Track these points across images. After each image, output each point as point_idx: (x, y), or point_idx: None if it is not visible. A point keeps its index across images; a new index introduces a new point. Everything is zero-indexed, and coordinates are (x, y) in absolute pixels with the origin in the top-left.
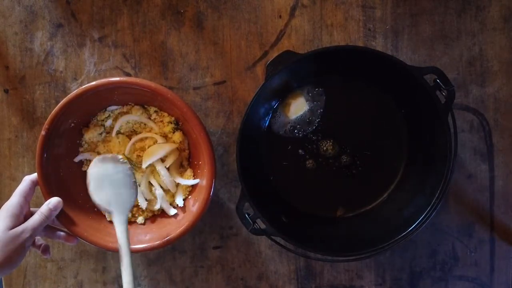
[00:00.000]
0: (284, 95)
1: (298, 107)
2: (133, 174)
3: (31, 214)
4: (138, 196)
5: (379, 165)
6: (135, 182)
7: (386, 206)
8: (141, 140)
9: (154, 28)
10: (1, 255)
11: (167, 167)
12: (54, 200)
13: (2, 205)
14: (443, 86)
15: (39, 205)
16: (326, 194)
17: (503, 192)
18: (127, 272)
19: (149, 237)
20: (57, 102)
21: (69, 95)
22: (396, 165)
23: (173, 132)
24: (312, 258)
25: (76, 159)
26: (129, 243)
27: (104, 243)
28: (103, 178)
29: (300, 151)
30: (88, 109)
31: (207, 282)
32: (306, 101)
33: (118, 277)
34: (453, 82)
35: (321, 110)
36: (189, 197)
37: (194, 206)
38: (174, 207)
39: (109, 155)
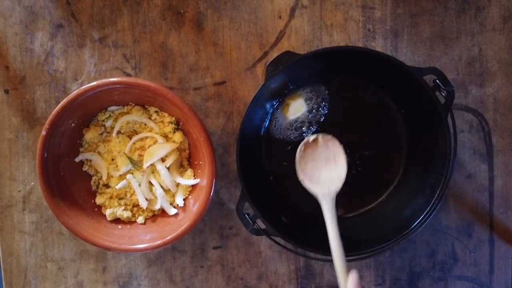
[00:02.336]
0: (283, 95)
1: (297, 108)
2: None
3: None
4: (138, 195)
5: (379, 165)
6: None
7: (386, 206)
8: (141, 139)
9: (154, 28)
10: None
11: (167, 166)
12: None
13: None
14: (442, 87)
15: (39, 205)
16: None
17: (503, 192)
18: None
19: (149, 237)
20: (58, 103)
21: (69, 96)
22: (396, 165)
23: (174, 132)
24: (312, 258)
25: (77, 159)
26: (338, 231)
27: (104, 243)
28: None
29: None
30: (88, 109)
31: (207, 282)
32: (306, 101)
33: (118, 277)
34: (453, 82)
35: (321, 111)
36: (189, 197)
37: (194, 206)
38: (174, 207)
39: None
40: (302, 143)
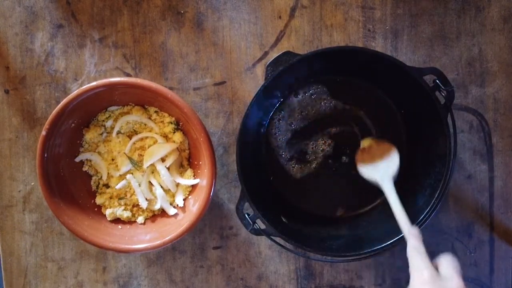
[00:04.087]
0: (283, 95)
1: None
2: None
3: None
4: (138, 195)
5: None
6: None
7: (386, 206)
8: (141, 139)
9: (154, 28)
10: None
11: (167, 166)
12: None
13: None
14: (442, 87)
15: (39, 205)
16: (326, 194)
17: (503, 192)
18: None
19: (149, 237)
20: (58, 103)
21: (69, 96)
22: None
23: (174, 133)
24: (312, 258)
25: (77, 159)
26: (400, 203)
27: (104, 243)
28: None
29: (300, 151)
30: (88, 109)
31: (207, 282)
32: (306, 101)
33: (118, 277)
34: (453, 82)
35: (320, 111)
36: (189, 197)
37: (194, 206)
38: (174, 207)
39: None
40: (360, 147)
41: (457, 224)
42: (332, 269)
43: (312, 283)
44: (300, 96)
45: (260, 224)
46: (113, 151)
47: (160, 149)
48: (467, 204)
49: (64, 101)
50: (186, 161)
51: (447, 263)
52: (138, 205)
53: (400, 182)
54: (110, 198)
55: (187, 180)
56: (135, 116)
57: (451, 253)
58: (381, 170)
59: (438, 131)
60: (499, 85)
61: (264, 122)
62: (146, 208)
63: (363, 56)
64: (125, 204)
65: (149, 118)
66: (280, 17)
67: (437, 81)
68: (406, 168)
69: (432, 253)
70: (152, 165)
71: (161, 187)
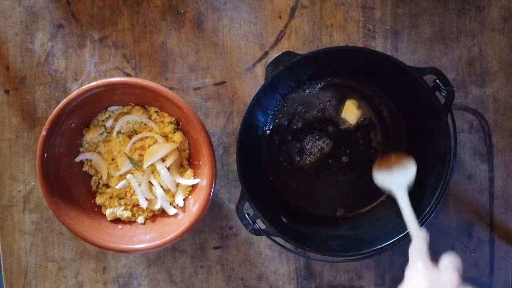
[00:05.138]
0: (283, 95)
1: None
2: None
3: None
4: (138, 195)
5: None
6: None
7: (386, 206)
8: (141, 139)
9: (154, 28)
10: None
11: (167, 166)
12: None
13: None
14: (442, 87)
15: (39, 205)
16: (326, 194)
17: (503, 192)
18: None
19: (149, 237)
20: (58, 103)
21: (69, 96)
22: None
23: (174, 133)
24: (312, 258)
25: (77, 159)
26: (412, 209)
27: (104, 243)
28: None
29: (299, 151)
30: (88, 109)
31: (207, 282)
32: (306, 101)
33: (118, 277)
34: (453, 82)
35: (320, 111)
36: (189, 197)
37: (194, 206)
38: (174, 207)
39: None
40: (377, 158)
41: (457, 224)
42: (332, 269)
43: (312, 283)
44: (300, 96)
45: (260, 224)
46: (113, 151)
47: (160, 149)
48: (467, 204)
49: (64, 101)
50: (186, 161)
51: (448, 258)
52: (138, 205)
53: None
54: (110, 198)
55: (187, 180)
56: (135, 116)
57: (454, 252)
58: (397, 179)
59: (438, 131)
60: (499, 85)
61: (264, 122)
62: (146, 208)
63: (363, 56)
64: (125, 204)
65: (149, 118)
66: (280, 17)
67: (437, 81)
68: None
69: (432, 253)
70: (152, 165)
71: (161, 187)
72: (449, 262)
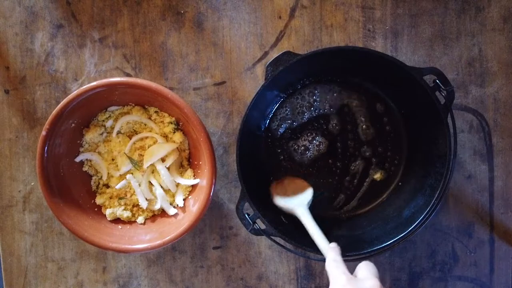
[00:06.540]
0: (283, 95)
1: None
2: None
3: None
4: (138, 195)
5: (379, 165)
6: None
7: (386, 206)
8: (141, 139)
9: (154, 28)
10: None
11: (167, 167)
12: None
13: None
14: (442, 87)
15: (39, 205)
16: (325, 194)
17: (503, 192)
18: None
19: (149, 237)
20: (58, 103)
21: (69, 96)
22: (396, 165)
23: (174, 133)
24: (312, 258)
25: (77, 159)
26: (316, 225)
27: (104, 243)
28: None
29: (299, 151)
30: (88, 109)
31: (207, 282)
32: (306, 101)
33: (118, 277)
34: (453, 82)
35: (320, 111)
36: (189, 197)
37: (194, 206)
38: (174, 207)
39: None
40: (273, 182)
41: (457, 224)
42: None
43: (312, 283)
44: (300, 96)
45: (260, 224)
46: (113, 151)
47: (160, 149)
48: (467, 204)
49: (64, 101)
50: (186, 161)
51: (363, 267)
52: (138, 205)
53: (400, 182)
54: (110, 198)
55: (187, 180)
56: (135, 116)
57: (368, 261)
58: (294, 201)
59: (438, 131)
60: (499, 85)
61: (264, 122)
62: (146, 208)
63: (363, 56)
64: (125, 204)
65: (149, 118)
66: (280, 17)
67: (437, 81)
68: (406, 168)
69: (432, 253)
70: (152, 165)
71: (161, 187)
72: (367, 271)
